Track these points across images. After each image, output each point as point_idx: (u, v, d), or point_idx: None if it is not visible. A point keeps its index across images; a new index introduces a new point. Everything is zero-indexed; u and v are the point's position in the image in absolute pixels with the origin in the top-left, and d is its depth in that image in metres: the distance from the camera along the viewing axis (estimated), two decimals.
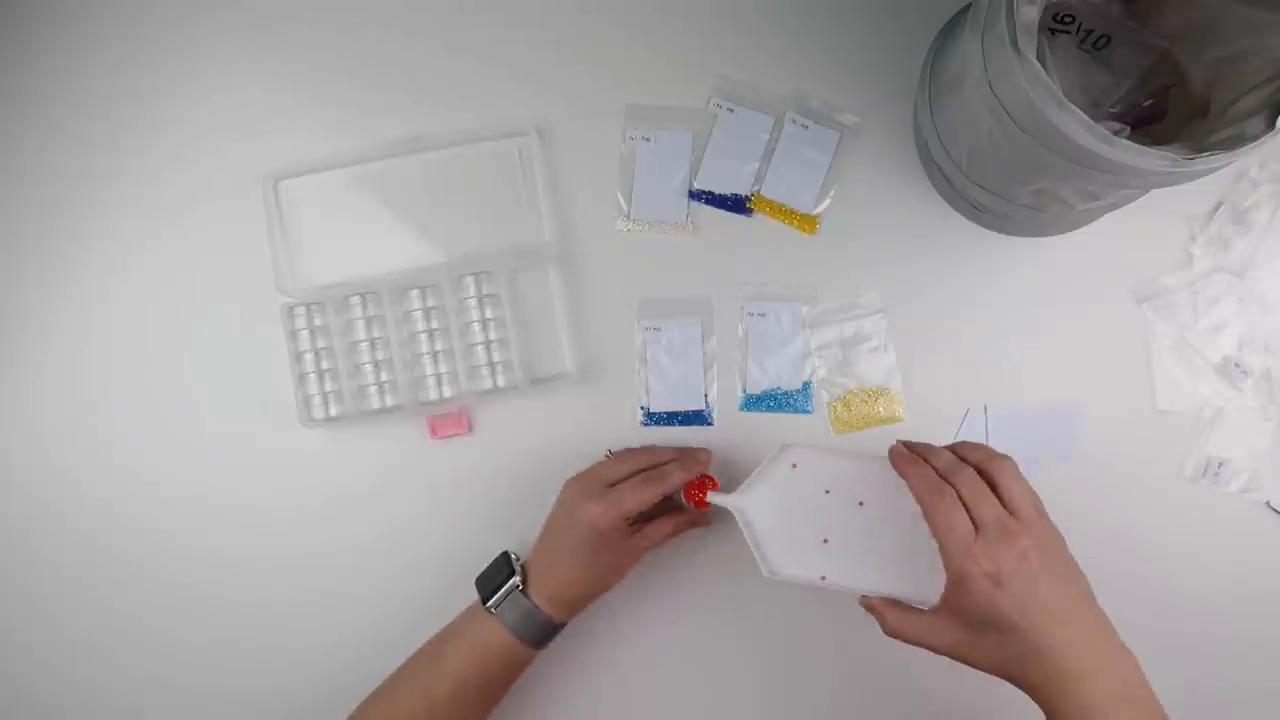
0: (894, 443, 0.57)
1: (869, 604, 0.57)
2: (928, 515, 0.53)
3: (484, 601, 0.63)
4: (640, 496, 0.63)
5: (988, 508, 0.52)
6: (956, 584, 0.52)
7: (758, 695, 0.72)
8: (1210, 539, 0.72)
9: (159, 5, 0.75)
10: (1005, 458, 0.55)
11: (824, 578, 0.58)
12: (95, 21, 0.75)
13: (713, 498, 0.63)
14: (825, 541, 0.59)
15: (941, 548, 0.52)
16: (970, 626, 0.52)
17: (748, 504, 0.60)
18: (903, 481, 0.55)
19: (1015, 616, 0.50)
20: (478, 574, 0.66)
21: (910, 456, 0.56)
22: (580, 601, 0.65)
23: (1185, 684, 0.71)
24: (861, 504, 0.59)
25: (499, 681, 0.64)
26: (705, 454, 0.68)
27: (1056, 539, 0.54)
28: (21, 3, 0.75)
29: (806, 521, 0.59)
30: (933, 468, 0.54)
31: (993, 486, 0.53)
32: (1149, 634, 0.71)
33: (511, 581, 0.63)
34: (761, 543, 0.60)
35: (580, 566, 0.63)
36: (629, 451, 0.68)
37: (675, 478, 0.64)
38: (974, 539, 0.51)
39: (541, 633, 0.63)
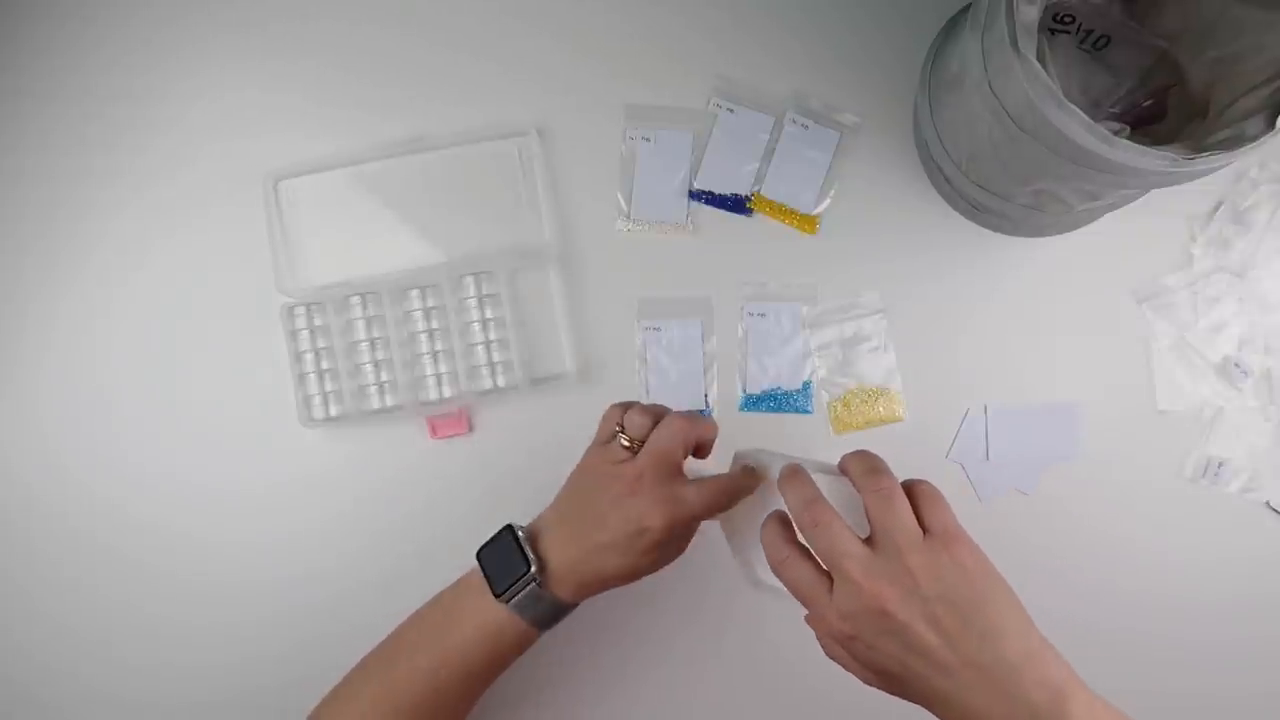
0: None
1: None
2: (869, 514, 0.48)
3: (494, 591, 0.58)
4: (711, 510, 0.58)
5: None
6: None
7: (754, 694, 0.72)
8: (1210, 539, 0.72)
9: (156, 3, 0.75)
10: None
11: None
12: (92, 21, 0.75)
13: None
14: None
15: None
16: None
17: (732, 514, 0.58)
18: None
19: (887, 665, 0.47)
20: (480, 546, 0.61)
21: (856, 454, 0.51)
22: (605, 589, 0.60)
23: (1184, 685, 0.71)
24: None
25: (506, 661, 0.61)
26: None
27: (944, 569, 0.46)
28: (18, 1, 0.75)
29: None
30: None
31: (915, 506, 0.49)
32: (1148, 635, 0.71)
33: (529, 575, 0.57)
34: (744, 552, 0.58)
35: (625, 566, 0.57)
36: (626, 405, 0.61)
37: (745, 489, 0.59)
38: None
39: (557, 617, 0.60)
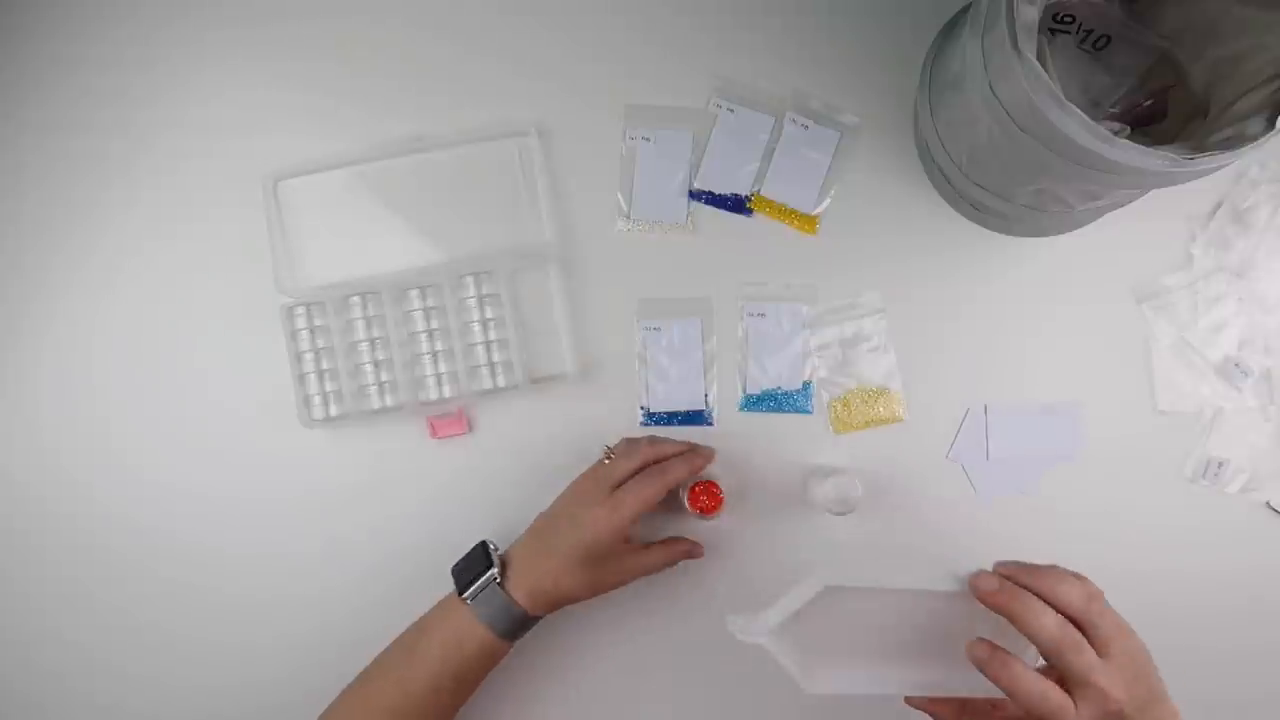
0: (976, 576, 0.53)
1: (916, 702, 0.57)
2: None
3: (459, 592, 0.62)
4: (643, 495, 0.63)
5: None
6: None
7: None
8: (1210, 539, 0.72)
9: (156, 3, 0.75)
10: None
11: (866, 689, 0.56)
12: (92, 20, 0.75)
13: (740, 634, 0.54)
14: (861, 653, 0.56)
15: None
16: None
17: (777, 635, 0.54)
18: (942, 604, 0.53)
19: None
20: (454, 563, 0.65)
21: (1008, 591, 0.52)
22: (559, 602, 0.64)
23: (1184, 686, 0.71)
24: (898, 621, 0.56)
25: (474, 673, 0.63)
26: (709, 450, 0.68)
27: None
28: (18, 1, 0.75)
29: (839, 639, 0.55)
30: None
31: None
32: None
33: (490, 574, 0.62)
34: (794, 664, 0.55)
35: (569, 570, 0.62)
36: (631, 443, 0.67)
37: (678, 471, 0.64)
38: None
39: (515, 625, 0.63)
